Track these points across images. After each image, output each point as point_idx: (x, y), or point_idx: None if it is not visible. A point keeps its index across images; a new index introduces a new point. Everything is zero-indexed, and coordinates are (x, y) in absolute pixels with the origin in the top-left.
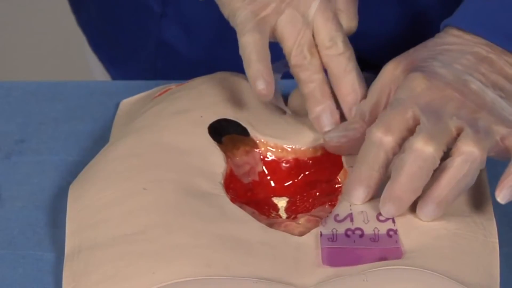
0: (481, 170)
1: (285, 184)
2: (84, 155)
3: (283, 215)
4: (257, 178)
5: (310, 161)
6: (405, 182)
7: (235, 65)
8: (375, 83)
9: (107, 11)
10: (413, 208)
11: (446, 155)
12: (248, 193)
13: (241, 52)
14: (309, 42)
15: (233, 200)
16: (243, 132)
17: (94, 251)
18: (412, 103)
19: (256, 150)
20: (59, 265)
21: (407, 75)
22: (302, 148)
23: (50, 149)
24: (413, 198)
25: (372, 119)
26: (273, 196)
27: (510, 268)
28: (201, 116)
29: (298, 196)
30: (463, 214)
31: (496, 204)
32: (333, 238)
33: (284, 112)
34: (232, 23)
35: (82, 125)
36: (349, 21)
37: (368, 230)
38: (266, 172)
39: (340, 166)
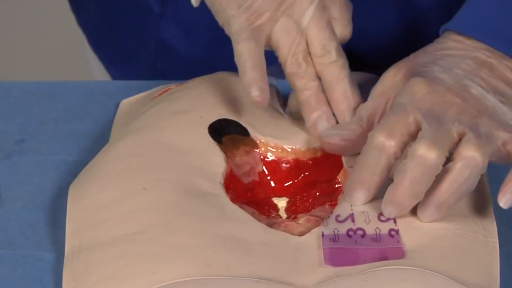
0: None
1: (285, 184)
2: (84, 155)
3: (283, 215)
4: (257, 178)
5: (310, 162)
6: (407, 188)
7: (234, 65)
8: (375, 88)
9: (107, 11)
10: (413, 208)
11: (448, 159)
12: (248, 193)
13: (236, 60)
14: (304, 50)
15: (233, 200)
16: (243, 132)
17: (94, 251)
18: (413, 108)
19: (256, 150)
20: (59, 265)
21: (408, 80)
22: (302, 149)
23: (50, 149)
24: (415, 202)
25: (369, 123)
26: (273, 196)
27: (510, 268)
28: (201, 116)
29: (298, 196)
30: (463, 214)
31: (496, 204)
32: (335, 238)
33: (284, 113)
34: (226, 31)
35: (82, 125)
36: (343, 29)
37: (369, 230)
38: (266, 172)
39: (340, 167)
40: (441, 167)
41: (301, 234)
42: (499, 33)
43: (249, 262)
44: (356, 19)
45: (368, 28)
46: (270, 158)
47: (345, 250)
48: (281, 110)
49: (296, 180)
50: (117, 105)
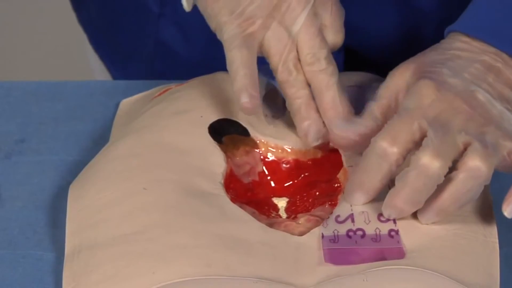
0: None
1: (285, 185)
2: (84, 155)
3: (283, 215)
4: (257, 178)
5: (310, 162)
6: (408, 195)
7: None
8: (384, 86)
9: (107, 10)
10: None
11: (452, 167)
12: (248, 193)
13: (228, 67)
14: (295, 58)
15: (233, 200)
16: (244, 132)
17: (94, 251)
18: (419, 115)
19: (256, 150)
20: (59, 265)
21: (417, 82)
22: (302, 149)
23: (50, 149)
24: (415, 209)
25: (384, 120)
26: (273, 196)
27: (510, 268)
28: (201, 116)
29: (298, 196)
30: (463, 214)
31: (496, 204)
32: (334, 239)
33: (283, 114)
34: (218, 36)
35: (82, 125)
36: (335, 36)
37: (369, 230)
38: (266, 172)
39: (340, 167)
40: (443, 178)
41: (301, 234)
42: (506, 35)
43: (249, 262)
44: (357, 18)
45: (369, 28)
46: (270, 158)
47: (345, 251)
48: (281, 110)
49: (296, 180)
50: (117, 105)
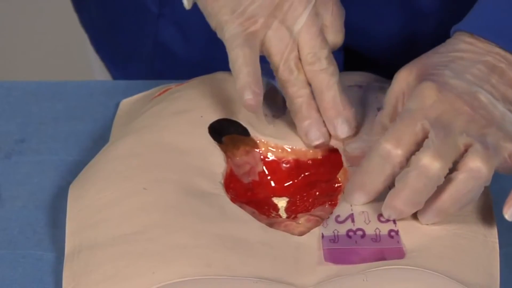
0: None
1: (285, 184)
2: (84, 155)
3: (283, 215)
4: (257, 178)
5: (310, 162)
6: (408, 196)
7: None
8: (389, 91)
9: (107, 11)
10: None
11: (452, 167)
12: (248, 193)
13: (231, 66)
14: (296, 57)
15: (233, 200)
16: (244, 132)
17: (94, 251)
18: (421, 116)
19: (256, 150)
20: (59, 265)
21: (419, 85)
22: (302, 149)
23: (50, 149)
24: (414, 210)
25: None
26: (273, 196)
27: (510, 268)
28: (201, 116)
29: (298, 196)
30: (463, 214)
31: (496, 204)
32: (334, 239)
33: (283, 113)
34: (219, 35)
35: (82, 125)
36: (335, 36)
37: (369, 230)
38: (266, 172)
39: (340, 168)
40: (443, 179)
41: (301, 234)
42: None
43: (249, 262)
44: (357, 18)
45: (369, 28)
46: (270, 158)
47: (345, 251)
48: (281, 110)
49: (296, 180)
50: (117, 105)
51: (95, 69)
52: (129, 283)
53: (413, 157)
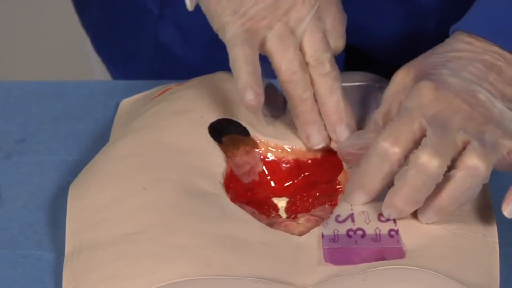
0: None
1: (285, 184)
2: (84, 155)
3: (283, 215)
4: (257, 178)
5: (310, 162)
6: (407, 195)
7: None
8: (387, 91)
9: (109, 11)
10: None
11: (451, 165)
12: (248, 193)
13: (231, 65)
14: (299, 58)
15: (233, 200)
16: (244, 132)
17: (94, 251)
18: (419, 114)
19: (256, 150)
20: (59, 265)
21: (416, 84)
22: (302, 149)
23: (50, 149)
24: (414, 208)
25: (385, 127)
26: (273, 196)
27: (510, 268)
28: (201, 116)
29: (298, 196)
30: (463, 214)
31: (496, 204)
32: (334, 238)
33: (283, 113)
34: (221, 36)
35: (82, 125)
36: (336, 41)
37: (369, 230)
38: (266, 172)
39: (340, 168)
40: (442, 176)
41: (301, 234)
42: (509, 34)
43: (249, 262)
44: (358, 17)
45: (369, 26)
46: (270, 158)
47: (345, 250)
48: (281, 110)
49: (296, 180)
50: (117, 105)
51: (95, 69)
52: (129, 283)
53: (411, 155)
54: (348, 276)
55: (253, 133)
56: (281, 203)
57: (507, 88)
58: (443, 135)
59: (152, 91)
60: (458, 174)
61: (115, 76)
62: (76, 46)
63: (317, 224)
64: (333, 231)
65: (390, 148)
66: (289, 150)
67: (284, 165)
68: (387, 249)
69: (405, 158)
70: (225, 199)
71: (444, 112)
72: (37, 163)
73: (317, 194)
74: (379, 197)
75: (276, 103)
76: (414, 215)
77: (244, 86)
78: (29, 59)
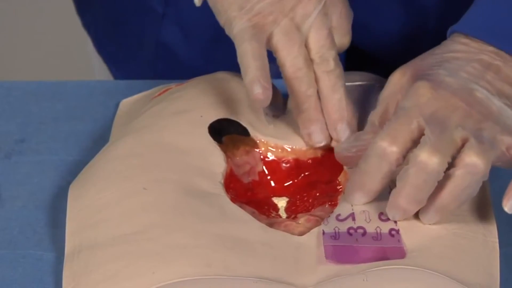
0: None
1: (285, 184)
2: (84, 155)
3: (283, 215)
4: (257, 178)
5: (310, 162)
6: (410, 194)
7: (232, 68)
8: (383, 92)
9: (111, 12)
10: None
11: (450, 164)
12: (248, 193)
13: (239, 60)
14: (305, 55)
15: (233, 200)
16: (244, 132)
17: (94, 251)
18: (417, 113)
19: (256, 150)
20: (59, 265)
21: (413, 84)
22: (302, 149)
23: (50, 149)
24: (418, 208)
25: (382, 128)
26: (273, 196)
27: (510, 268)
28: (201, 116)
29: (298, 196)
30: (463, 214)
31: (496, 204)
32: (335, 236)
33: (283, 113)
34: (227, 32)
35: (82, 125)
36: (342, 38)
37: (370, 229)
38: (266, 172)
39: (341, 167)
40: (442, 174)
41: (301, 234)
42: (506, 34)
43: (249, 262)
44: (360, 15)
45: (371, 25)
46: (270, 158)
47: (345, 248)
48: (281, 110)
49: (296, 180)
50: (117, 105)
51: (95, 69)
52: (129, 283)
53: (410, 154)
54: (348, 276)
55: (253, 133)
56: (281, 203)
57: (505, 86)
58: (442, 133)
59: (152, 91)
60: (457, 172)
61: (116, 76)
62: (76, 46)
63: (317, 224)
64: (334, 229)
65: (388, 147)
66: (289, 149)
67: (284, 165)
68: (388, 248)
69: (404, 158)
70: (225, 199)
71: (442, 110)
72: (37, 163)
73: (317, 194)
74: (380, 197)
75: (276, 103)
76: (414, 215)
77: (252, 80)
78: (29, 59)
